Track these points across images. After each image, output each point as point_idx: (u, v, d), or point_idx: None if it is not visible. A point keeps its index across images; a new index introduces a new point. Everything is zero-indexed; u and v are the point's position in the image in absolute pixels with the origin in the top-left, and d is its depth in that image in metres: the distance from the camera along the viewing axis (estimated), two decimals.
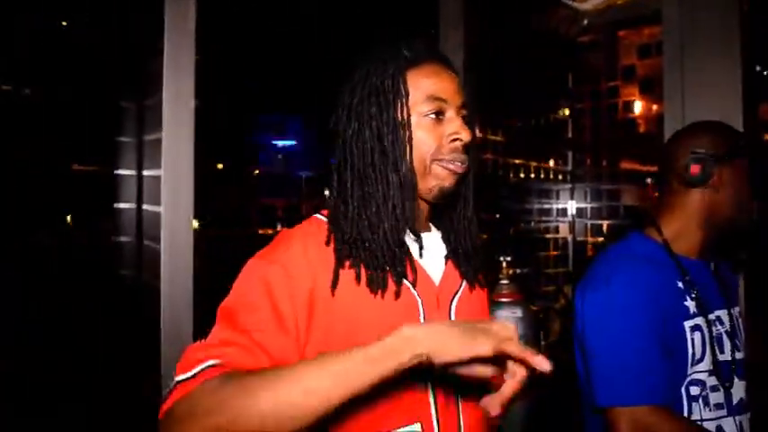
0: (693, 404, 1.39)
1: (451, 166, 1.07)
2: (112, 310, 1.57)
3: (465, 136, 1.07)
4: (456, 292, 1.14)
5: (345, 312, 1.02)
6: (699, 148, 1.45)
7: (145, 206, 1.70)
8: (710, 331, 1.42)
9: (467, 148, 1.10)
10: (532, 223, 3.67)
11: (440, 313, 1.10)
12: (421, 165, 1.08)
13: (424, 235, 1.13)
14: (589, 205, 3.62)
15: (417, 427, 1.03)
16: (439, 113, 1.08)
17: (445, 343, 0.84)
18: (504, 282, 2.52)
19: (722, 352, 1.44)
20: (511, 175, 3.49)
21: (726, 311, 1.49)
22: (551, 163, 3.67)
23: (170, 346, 1.54)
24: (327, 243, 1.06)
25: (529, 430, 2.38)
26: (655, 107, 3.14)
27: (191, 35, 1.55)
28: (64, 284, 1.78)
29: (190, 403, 0.86)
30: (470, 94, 2.53)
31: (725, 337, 1.46)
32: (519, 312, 2.44)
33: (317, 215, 1.14)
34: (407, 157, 1.06)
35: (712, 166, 1.43)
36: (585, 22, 3.18)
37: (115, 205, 1.81)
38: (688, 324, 1.40)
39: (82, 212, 1.83)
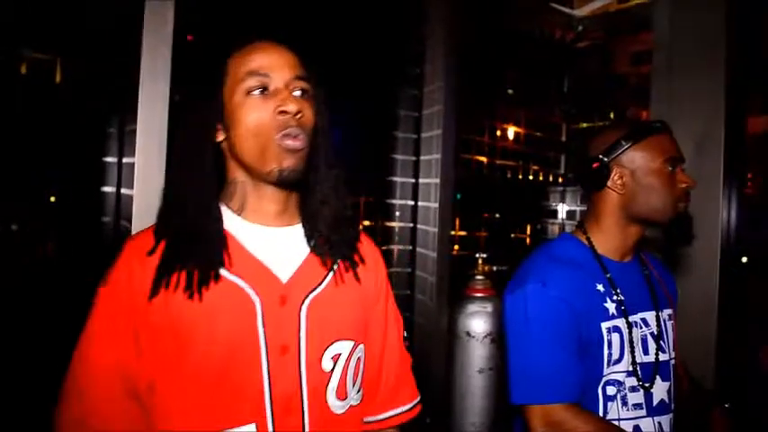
0: (609, 403, 1.41)
1: (286, 143, 0.97)
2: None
3: (291, 107, 0.97)
4: (313, 290, 1.03)
5: (169, 324, 0.94)
6: (592, 152, 1.47)
7: (123, 190, 1.84)
8: (630, 333, 1.43)
9: (304, 125, 1.00)
10: (529, 225, 3.73)
11: (285, 313, 0.99)
12: (252, 147, 0.98)
13: (281, 229, 1.05)
14: (579, 208, 3.69)
15: (252, 428, 0.95)
16: (264, 89, 0.99)
17: None
18: (479, 277, 2.61)
19: (646, 353, 1.45)
20: (509, 175, 3.55)
21: (653, 313, 1.50)
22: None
23: None
24: (151, 250, 0.97)
25: None
26: (645, 114, 3.17)
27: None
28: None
29: None
30: (455, 95, 2.65)
31: (649, 338, 1.47)
32: (489, 308, 2.53)
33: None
34: (231, 141, 1.00)
35: (606, 166, 1.44)
36: (580, 28, 3.24)
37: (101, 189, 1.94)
38: (605, 325, 1.41)
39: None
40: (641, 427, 1.42)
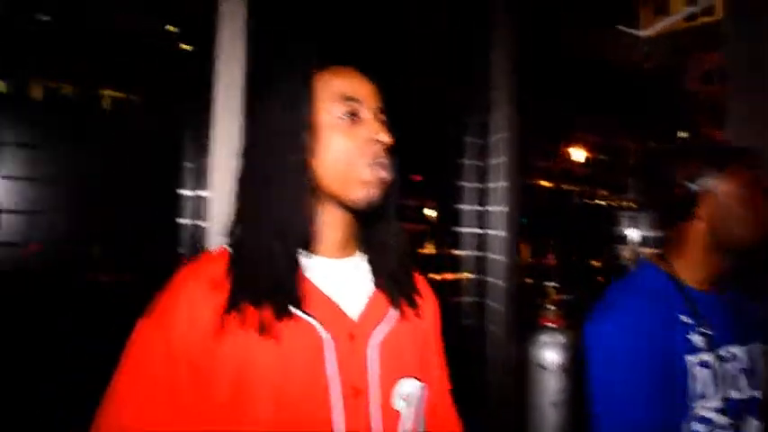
0: None
1: (378, 173, 0.95)
2: None
3: (386, 138, 0.95)
4: (381, 328, 0.98)
5: (235, 362, 0.88)
6: (674, 178, 1.41)
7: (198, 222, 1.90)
8: (721, 367, 1.36)
9: (389, 156, 0.97)
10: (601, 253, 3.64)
11: (356, 353, 0.94)
12: (338, 172, 0.94)
13: (343, 260, 1.01)
14: (654, 234, 3.54)
15: None
16: (353, 115, 0.96)
17: None
18: (550, 307, 2.55)
19: (736, 390, 1.38)
20: (576, 200, 3.49)
21: (743, 348, 1.42)
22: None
23: None
24: (216, 280, 0.92)
25: None
26: (718, 134, 3.05)
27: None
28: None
29: None
30: (522, 121, 2.62)
31: (741, 374, 1.40)
32: (561, 339, 2.47)
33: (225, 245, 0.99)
34: (312, 164, 0.94)
35: (691, 194, 1.38)
36: (647, 48, 3.17)
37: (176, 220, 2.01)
38: (691, 359, 1.36)
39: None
40: None
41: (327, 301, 0.95)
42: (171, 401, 0.88)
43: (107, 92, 1.90)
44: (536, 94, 2.89)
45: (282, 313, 0.89)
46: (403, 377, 0.99)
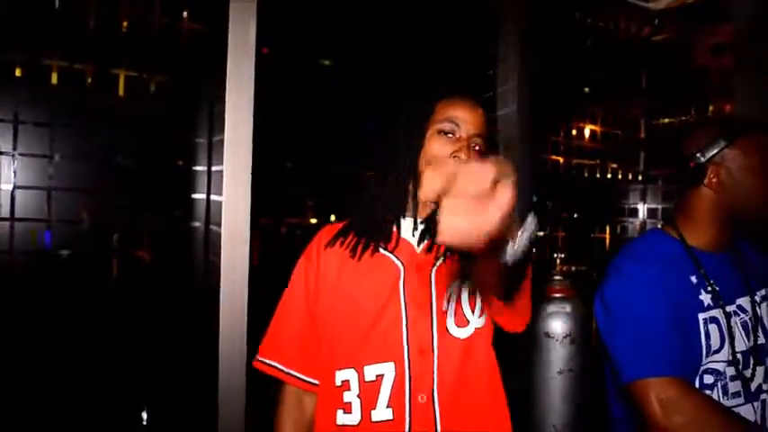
0: (707, 392, 1.42)
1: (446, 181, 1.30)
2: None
3: (463, 155, 1.30)
4: (435, 263, 1.36)
5: (331, 273, 1.36)
6: (692, 149, 1.48)
7: (212, 197, 1.96)
8: (728, 322, 1.44)
9: None
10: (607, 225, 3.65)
11: (419, 277, 1.33)
12: (425, 171, 1.35)
13: (420, 219, 1.38)
14: (660, 206, 3.59)
15: (391, 366, 1.27)
16: (450, 133, 1.33)
17: None
18: (557, 278, 2.59)
19: (744, 340, 1.46)
20: (586, 174, 3.49)
21: (748, 298, 1.50)
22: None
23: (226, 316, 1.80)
24: (339, 231, 1.43)
25: None
26: (728, 107, 3.06)
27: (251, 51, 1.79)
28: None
29: None
30: (530, 94, 2.63)
31: (748, 325, 1.47)
32: (568, 308, 2.51)
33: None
34: (415, 161, 1.35)
35: (704, 165, 1.44)
36: (657, 21, 3.16)
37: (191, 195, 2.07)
38: (702, 316, 1.43)
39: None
40: (741, 413, 1.42)
41: (406, 244, 1.37)
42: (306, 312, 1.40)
43: (122, 72, 1.94)
44: (545, 66, 2.90)
45: (375, 251, 1.36)
46: (449, 286, 1.36)
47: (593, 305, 1.56)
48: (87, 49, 1.94)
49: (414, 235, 1.38)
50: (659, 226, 1.65)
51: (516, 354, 2.77)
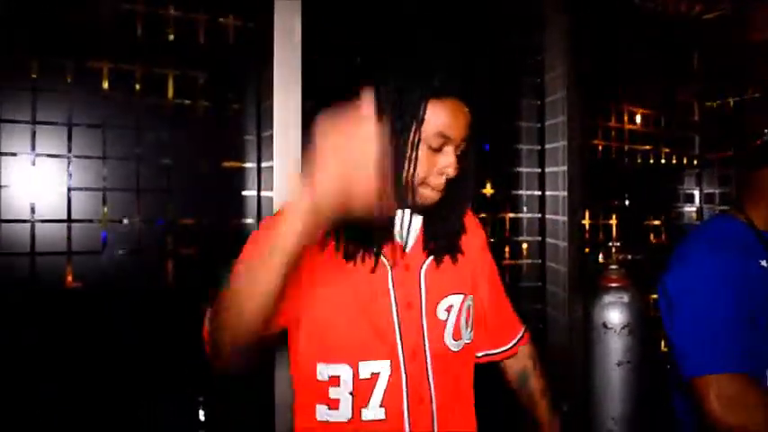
0: None
1: (432, 194, 1.24)
2: None
3: (452, 172, 1.22)
4: (424, 262, 1.33)
5: (325, 270, 1.25)
6: (751, 129, 1.45)
7: (263, 193, 1.96)
8: None
9: (449, 178, 1.23)
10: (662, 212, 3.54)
11: (408, 276, 1.30)
12: (413, 180, 1.22)
13: (415, 217, 1.33)
14: (718, 191, 3.46)
15: (387, 364, 1.23)
16: (439, 148, 1.20)
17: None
18: (613, 267, 2.52)
19: None
20: (639, 160, 3.39)
21: None
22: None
23: None
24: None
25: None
26: None
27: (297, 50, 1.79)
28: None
29: None
30: (578, 79, 2.56)
31: None
32: (625, 298, 2.44)
33: None
34: (408, 172, 1.20)
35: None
36: None
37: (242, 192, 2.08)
38: None
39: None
40: None
41: (396, 244, 1.30)
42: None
43: (170, 71, 1.96)
44: (593, 51, 2.82)
45: (368, 253, 1.26)
46: (446, 294, 1.33)
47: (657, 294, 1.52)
48: (135, 51, 1.96)
49: (402, 235, 1.31)
50: (725, 210, 1.59)
51: (572, 344, 2.74)
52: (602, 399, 2.56)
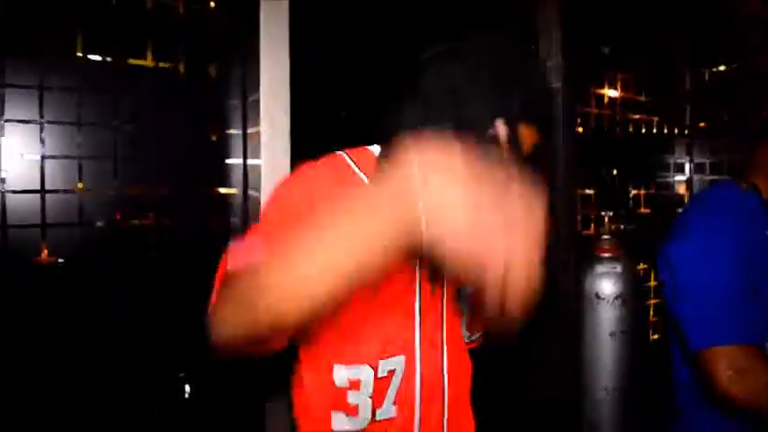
0: None
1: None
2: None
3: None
4: None
5: None
6: (754, 101, 1.42)
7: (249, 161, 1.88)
8: None
9: None
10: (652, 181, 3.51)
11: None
12: None
13: None
14: (708, 161, 3.42)
15: (401, 360, 1.13)
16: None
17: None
18: (606, 237, 2.48)
19: None
20: (630, 129, 3.33)
21: None
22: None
23: None
24: None
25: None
26: None
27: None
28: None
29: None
30: (570, 47, 2.50)
31: None
32: (618, 268, 2.40)
33: None
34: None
35: None
36: None
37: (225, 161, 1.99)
38: None
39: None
40: None
41: None
42: None
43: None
44: (584, 17, 2.75)
45: None
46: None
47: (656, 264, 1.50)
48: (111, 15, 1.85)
49: None
50: (727, 179, 1.56)
51: (564, 315, 2.71)
52: (594, 369, 2.54)
